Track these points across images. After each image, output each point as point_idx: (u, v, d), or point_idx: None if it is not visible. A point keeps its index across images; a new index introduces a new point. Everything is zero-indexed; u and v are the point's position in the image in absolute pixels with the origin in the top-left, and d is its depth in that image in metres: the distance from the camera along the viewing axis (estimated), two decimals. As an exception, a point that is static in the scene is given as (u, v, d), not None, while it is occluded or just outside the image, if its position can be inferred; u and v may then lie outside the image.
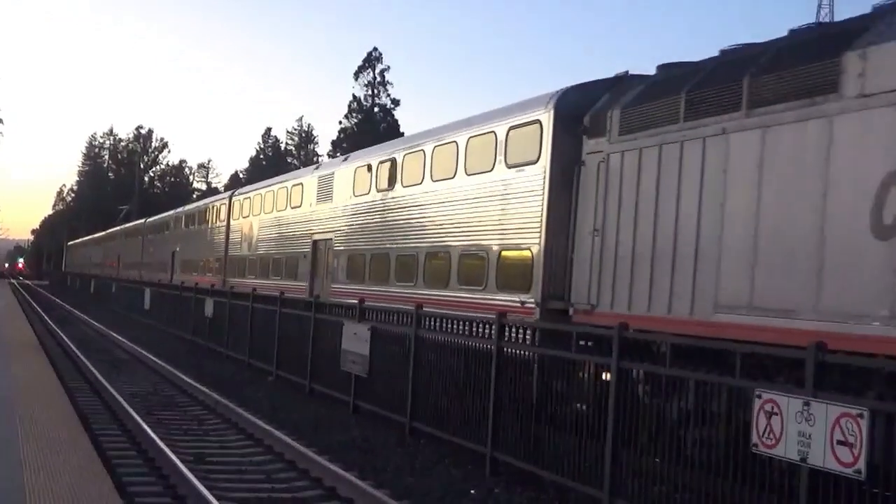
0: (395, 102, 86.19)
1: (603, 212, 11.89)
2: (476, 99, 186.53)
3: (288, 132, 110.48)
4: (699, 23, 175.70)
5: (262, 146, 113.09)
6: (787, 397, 6.67)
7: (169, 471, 9.91)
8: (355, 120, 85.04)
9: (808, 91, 8.92)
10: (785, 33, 10.42)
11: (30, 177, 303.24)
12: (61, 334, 27.34)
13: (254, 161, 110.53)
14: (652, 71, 12.61)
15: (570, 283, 12.52)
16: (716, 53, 11.27)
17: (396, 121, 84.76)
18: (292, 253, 24.75)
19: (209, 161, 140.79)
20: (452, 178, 16.12)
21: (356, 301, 15.58)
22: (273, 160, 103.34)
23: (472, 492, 9.71)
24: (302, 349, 17.35)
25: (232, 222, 31.80)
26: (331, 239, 21.81)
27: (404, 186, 18.16)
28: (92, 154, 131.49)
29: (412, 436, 12.52)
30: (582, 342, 9.79)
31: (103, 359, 21.60)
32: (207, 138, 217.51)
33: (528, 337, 10.58)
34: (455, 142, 16.24)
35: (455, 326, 12.04)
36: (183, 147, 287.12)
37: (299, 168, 61.80)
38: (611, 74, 13.63)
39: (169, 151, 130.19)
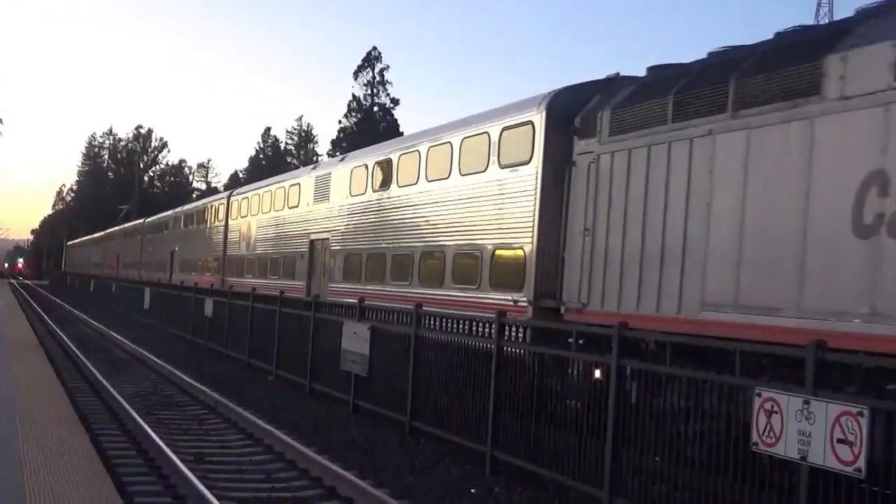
0: (395, 102, 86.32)
1: (593, 212, 12.04)
2: (476, 98, 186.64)
3: (287, 132, 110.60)
4: (699, 22, 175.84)
5: (261, 146, 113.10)
6: (787, 396, 6.68)
7: (169, 470, 9.90)
8: (355, 119, 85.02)
9: (791, 93, 9.09)
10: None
11: (30, 177, 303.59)
12: (61, 334, 27.33)
13: (253, 161, 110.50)
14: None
15: (562, 282, 12.66)
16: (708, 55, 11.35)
17: (396, 120, 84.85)
18: (290, 253, 24.84)
19: (209, 161, 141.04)
20: (447, 178, 16.25)
21: (353, 300, 15.61)
22: (273, 160, 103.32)
23: (473, 491, 9.71)
24: (302, 349, 17.35)
25: (230, 222, 31.89)
26: (328, 239, 21.90)
27: (400, 186, 18.28)
28: (91, 154, 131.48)
29: (412, 435, 12.53)
30: (571, 340, 9.92)
31: (103, 358, 21.60)
32: (207, 138, 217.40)
33: (527, 336, 10.65)
34: (449, 142, 16.37)
35: (455, 325, 12.06)
36: (183, 147, 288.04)
37: (299, 168, 61.78)
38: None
39: (168, 151, 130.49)
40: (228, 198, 33.31)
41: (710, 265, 9.87)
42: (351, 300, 16.79)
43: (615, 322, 9.03)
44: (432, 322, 12.62)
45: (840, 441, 6.20)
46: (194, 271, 36.14)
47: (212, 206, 35.85)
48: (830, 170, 8.57)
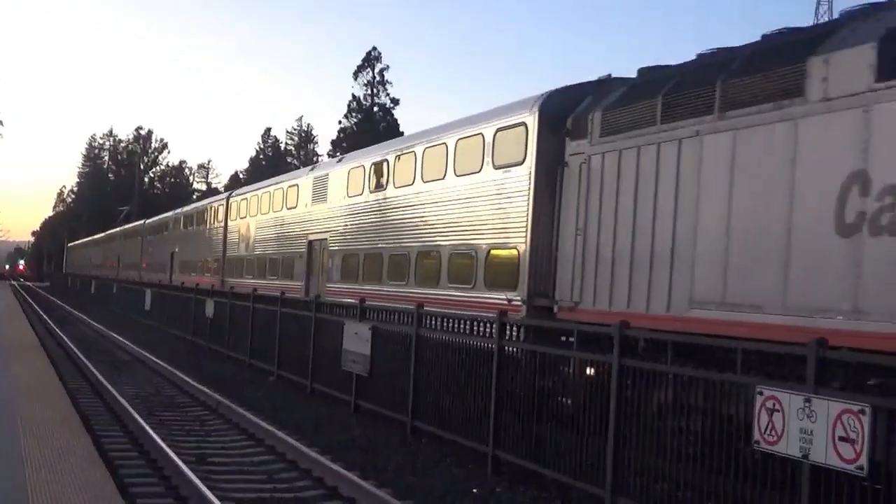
0: (395, 102, 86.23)
1: (585, 212, 12.20)
2: (475, 97, 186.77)
3: (288, 132, 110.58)
4: (699, 22, 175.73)
5: (261, 146, 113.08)
6: (789, 394, 6.68)
7: (171, 471, 9.91)
8: (355, 119, 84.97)
9: (776, 95, 9.24)
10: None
11: (30, 178, 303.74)
12: (62, 335, 27.34)
13: (254, 161, 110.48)
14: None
15: (555, 281, 12.81)
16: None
17: (396, 120, 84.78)
18: (288, 253, 24.95)
19: (209, 161, 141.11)
20: (442, 179, 16.38)
21: (351, 300, 15.67)
22: (273, 160, 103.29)
23: (475, 491, 9.71)
24: (303, 349, 17.35)
25: (229, 223, 31.99)
26: (325, 239, 22.01)
27: (396, 187, 18.40)
28: (92, 155, 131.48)
29: (414, 435, 12.52)
30: (564, 338, 10.06)
31: (104, 360, 21.60)
32: (207, 139, 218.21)
33: (521, 335, 10.72)
34: (445, 143, 16.50)
35: (456, 325, 12.07)
36: (183, 147, 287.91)
37: (299, 168, 61.88)
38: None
39: (169, 152, 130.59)
40: (228, 199, 33.42)
41: (698, 264, 10.02)
42: (348, 300, 16.90)
43: (606, 320, 9.13)
44: (433, 322, 12.63)
45: (842, 439, 6.20)
46: (194, 272, 36.20)
47: (211, 208, 35.94)
48: (814, 170, 8.73)
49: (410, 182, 17.71)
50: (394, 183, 18.53)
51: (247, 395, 16.29)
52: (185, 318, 27.93)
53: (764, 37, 10.57)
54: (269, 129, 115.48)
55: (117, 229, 66.84)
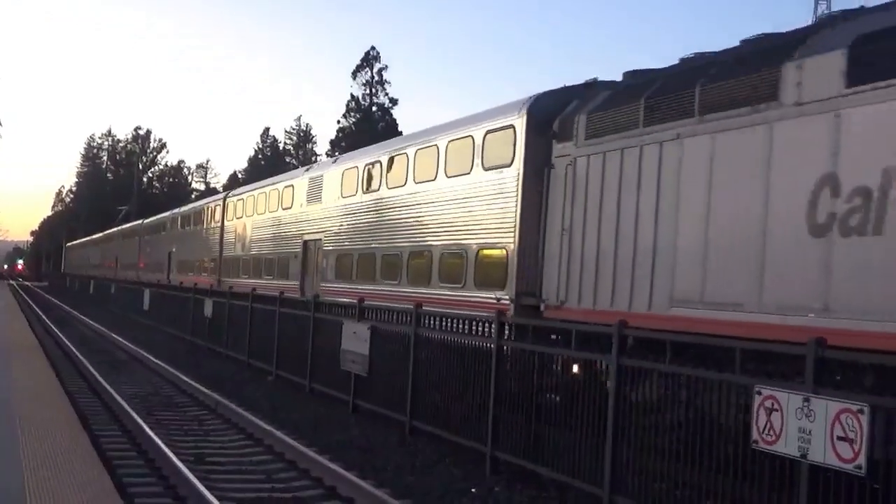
0: (394, 101, 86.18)
1: (570, 213, 12.42)
2: (475, 97, 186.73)
3: (286, 132, 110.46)
4: (699, 21, 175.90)
5: (260, 146, 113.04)
6: (788, 393, 6.69)
7: (169, 471, 9.90)
8: (353, 119, 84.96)
9: (752, 99, 9.50)
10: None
11: (29, 178, 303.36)
12: (60, 335, 27.35)
13: (252, 161, 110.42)
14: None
15: (542, 281, 12.97)
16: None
17: (395, 120, 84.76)
18: (284, 253, 25.10)
19: (208, 161, 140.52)
20: (434, 180, 16.57)
21: (344, 299, 15.74)
22: (272, 160, 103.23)
23: (473, 490, 9.71)
24: (302, 349, 17.36)
25: (226, 223, 32.13)
26: (320, 239, 22.17)
27: (389, 188, 18.58)
28: (90, 155, 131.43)
29: (412, 435, 12.53)
30: (553, 336, 10.29)
31: (103, 359, 21.60)
32: (206, 138, 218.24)
33: (513, 334, 10.83)
34: (436, 145, 16.70)
35: (455, 325, 12.08)
36: (181, 147, 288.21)
37: (298, 168, 61.94)
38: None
39: (167, 152, 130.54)
40: (224, 199, 33.61)
41: (678, 264, 10.23)
42: (343, 299, 16.99)
43: (591, 319, 9.25)
44: (432, 322, 12.64)
45: (840, 438, 6.21)
46: (191, 272, 36.30)
47: (208, 208, 36.08)
48: (787, 172, 8.97)
49: (403, 183, 17.92)
50: (387, 184, 18.73)
51: (245, 395, 16.29)
52: (184, 318, 27.93)
53: (743, 42, 10.86)
54: (267, 129, 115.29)
55: (115, 229, 66.81)
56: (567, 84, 14.53)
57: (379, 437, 12.56)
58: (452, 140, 16.09)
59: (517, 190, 13.65)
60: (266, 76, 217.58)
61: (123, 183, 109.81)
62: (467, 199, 15.19)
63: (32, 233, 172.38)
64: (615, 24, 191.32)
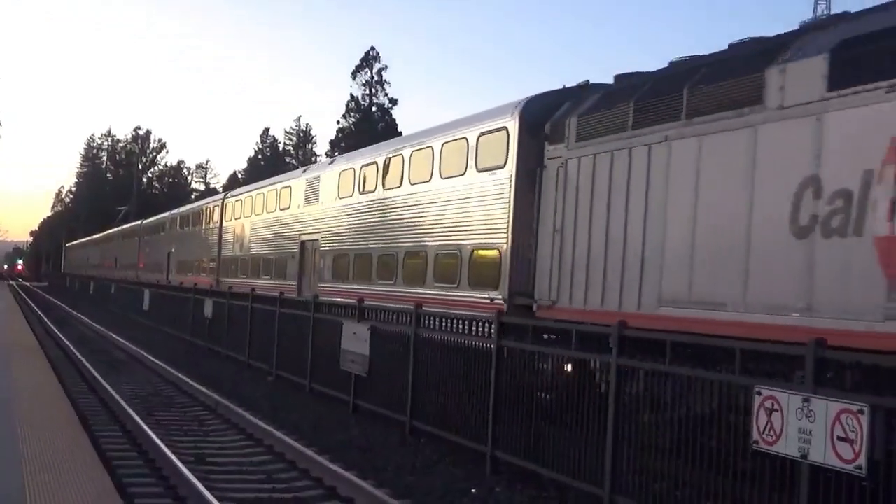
0: (393, 102, 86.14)
1: (562, 214, 12.59)
2: (475, 97, 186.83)
3: (286, 132, 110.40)
4: (700, 20, 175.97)
5: (260, 146, 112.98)
6: (788, 394, 6.69)
7: (169, 472, 9.92)
8: (353, 119, 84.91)
9: (737, 102, 9.67)
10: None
11: (29, 178, 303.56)
12: (60, 335, 27.35)
13: (252, 161, 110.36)
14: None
15: (534, 281, 13.15)
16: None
17: (394, 120, 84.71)
18: (282, 253, 25.24)
19: (207, 161, 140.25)
20: (429, 181, 16.73)
21: (341, 299, 15.82)
22: (271, 160, 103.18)
23: (473, 490, 9.74)
24: (301, 349, 17.38)
25: (225, 224, 32.26)
26: (317, 240, 22.31)
27: (385, 189, 18.73)
28: (90, 155, 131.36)
29: (412, 435, 12.54)
30: (545, 336, 10.43)
31: (103, 360, 21.62)
32: (206, 139, 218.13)
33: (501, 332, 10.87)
34: (431, 147, 16.85)
35: (455, 325, 12.09)
36: (181, 147, 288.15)
37: (298, 168, 61.98)
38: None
39: (167, 152, 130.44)
40: (223, 200, 33.81)
41: (666, 264, 10.39)
42: (339, 299, 17.10)
43: (582, 318, 9.39)
44: (432, 322, 12.66)
45: (840, 439, 6.21)
46: (190, 272, 36.40)
47: (207, 208, 36.22)
48: (771, 175, 9.12)
49: (398, 184, 18.09)
50: (383, 185, 18.88)
51: (245, 395, 16.30)
52: (184, 318, 27.95)
53: (730, 45, 11.04)
54: (267, 129, 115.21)
55: (115, 229, 66.81)
56: (565, 85, 14.78)
57: (379, 437, 12.57)
58: (447, 142, 16.24)
59: (510, 191, 13.83)
60: (266, 76, 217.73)
61: (123, 183, 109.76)
62: (461, 200, 15.36)
63: (32, 233, 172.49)
64: (616, 24, 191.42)
